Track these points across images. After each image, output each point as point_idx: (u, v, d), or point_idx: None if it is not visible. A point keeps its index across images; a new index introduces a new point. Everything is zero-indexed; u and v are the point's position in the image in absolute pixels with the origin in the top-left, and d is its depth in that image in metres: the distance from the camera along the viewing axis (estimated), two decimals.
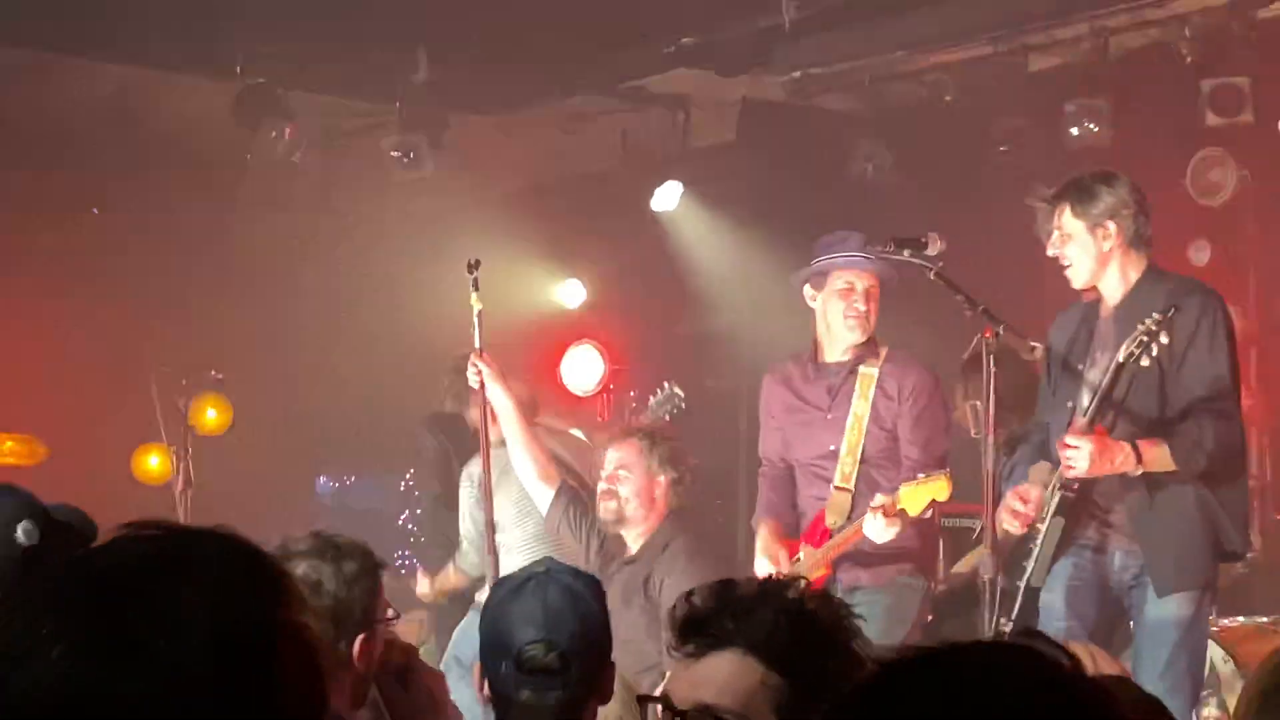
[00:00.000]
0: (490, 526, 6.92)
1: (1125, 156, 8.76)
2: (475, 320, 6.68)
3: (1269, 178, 8.37)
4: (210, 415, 10.38)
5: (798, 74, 9.74)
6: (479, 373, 6.76)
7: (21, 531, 3.18)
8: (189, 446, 8.77)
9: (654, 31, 8.96)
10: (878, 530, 5.84)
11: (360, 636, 3.26)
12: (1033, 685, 1.20)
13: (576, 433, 8.03)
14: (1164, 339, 5.18)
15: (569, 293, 10.56)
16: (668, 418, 7.96)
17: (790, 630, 2.41)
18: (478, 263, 6.70)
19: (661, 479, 6.59)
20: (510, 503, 7.27)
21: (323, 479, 12.01)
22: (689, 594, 2.51)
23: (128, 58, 8.92)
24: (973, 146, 9.45)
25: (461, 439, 8.61)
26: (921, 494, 5.79)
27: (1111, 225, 5.52)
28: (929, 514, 6.04)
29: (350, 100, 9.80)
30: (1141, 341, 5.20)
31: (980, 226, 8.84)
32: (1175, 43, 8.78)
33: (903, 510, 5.80)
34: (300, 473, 11.44)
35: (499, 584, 3.25)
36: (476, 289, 6.67)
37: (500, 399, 6.80)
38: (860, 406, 6.23)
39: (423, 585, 8.09)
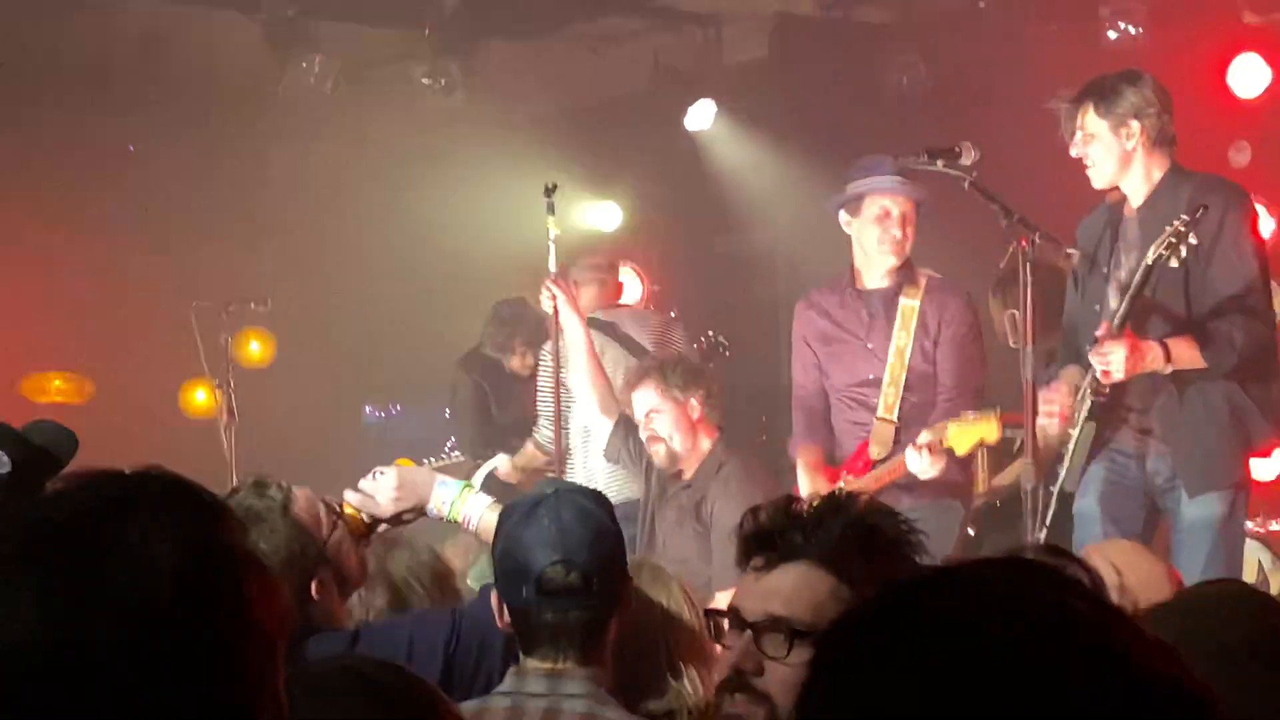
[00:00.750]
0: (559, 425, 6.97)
1: (1162, 57, 8.65)
2: (551, 244, 6.69)
3: None
4: (254, 348, 10.44)
5: None
6: (553, 297, 6.77)
7: None
8: (232, 380, 8.82)
9: None
10: (922, 466, 5.84)
11: None
12: (1024, 610, 1.19)
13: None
14: (1193, 239, 5.15)
15: (605, 215, 10.54)
16: (712, 364, 7.97)
17: (858, 542, 2.44)
18: (554, 186, 6.71)
19: (693, 401, 6.57)
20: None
21: (369, 409, 12.07)
22: (755, 509, 2.53)
23: None
24: (1007, 53, 9.36)
25: (499, 380, 8.66)
26: (970, 434, 5.78)
27: (1135, 124, 5.48)
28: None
29: (379, 29, 9.77)
30: (1170, 243, 5.17)
31: (1016, 134, 8.77)
32: None
33: (949, 448, 5.80)
34: (345, 404, 11.50)
35: (508, 510, 3.27)
36: (553, 213, 6.69)
37: (574, 327, 6.82)
38: (901, 339, 6.21)
39: (503, 463, 8.12)
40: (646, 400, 6.59)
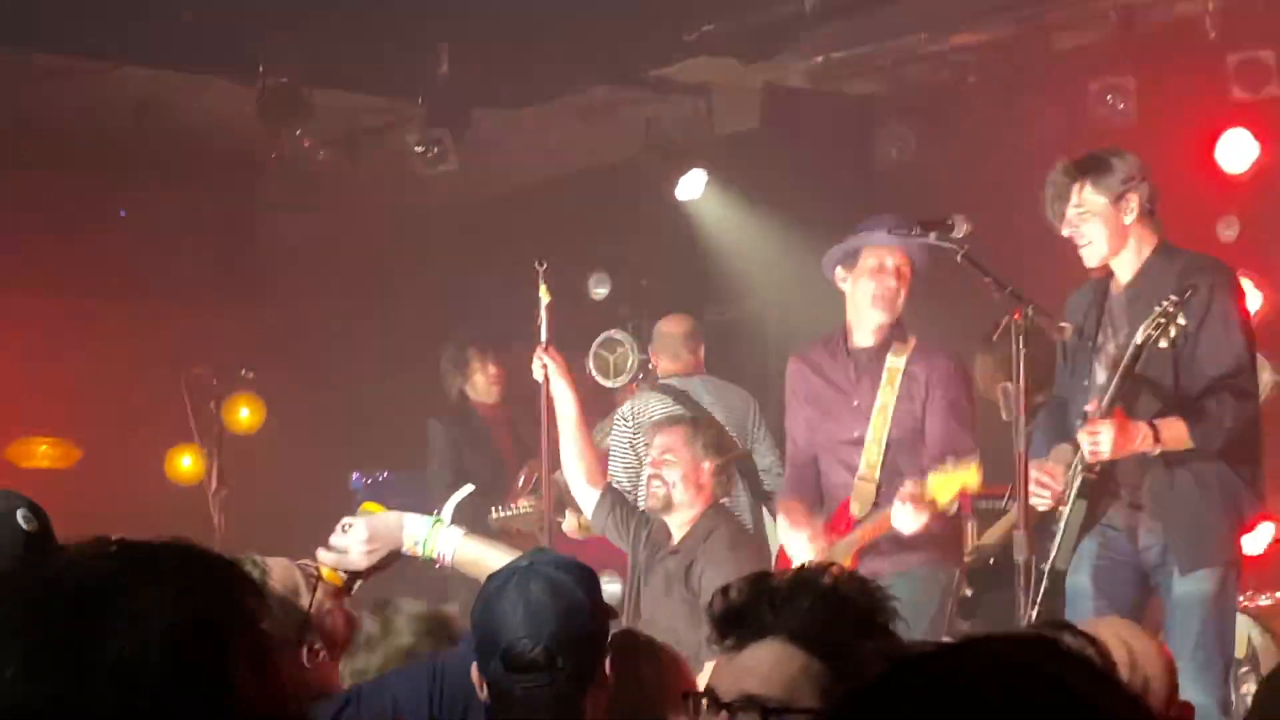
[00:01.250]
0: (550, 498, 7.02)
1: (1151, 134, 8.73)
2: (543, 313, 6.72)
3: None
4: (243, 414, 10.42)
5: (820, 59, 9.74)
6: (544, 366, 6.77)
7: (21, 518, 3.34)
8: (221, 446, 8.81)
9: (675, 19, 8.95)
10: (906, 519, 5.83)
11: None
12: (1043, 688, 1.19)
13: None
14: (1181, 320, 5.16)
15: (596, 283, 10.56)
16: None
17: (827, 615, 2.43)
18: (545, 257, 6.76)
19: (706, 465, 6.60)
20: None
21: (356, 475, 12.04)
22: (725, 589, 2.53)
23: (152, 60, 8.96)
24: (997, 128, 9.42)
25: (467, 427, 8.70)
26: (951, 482, 5.78)
27: (1133, 198, 5.50)
28: (955, 505, 6.05)
29: (373, 97, 9.82)
30: (1159, 323, 5.18)
31: (1005, 208, 8.81)
32: (1199, 17, 8.74)
33: (932, 500, 5.79)
34: (333, 470, 11.47)
35: (490, 578, 3.26)
36: (545, 281, 6.71)
37: (563, 395, 6.81)
38: (886, 396, 6.22)
39: (570, 522, 8.10)
40: (668, 443, 6.64)
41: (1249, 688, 6.58)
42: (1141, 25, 9.04)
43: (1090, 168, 5.54)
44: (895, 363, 6.24)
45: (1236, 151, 8.81)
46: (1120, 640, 3.11)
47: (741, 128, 10.10)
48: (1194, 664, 5.07)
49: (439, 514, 3.75)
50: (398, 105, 9.79)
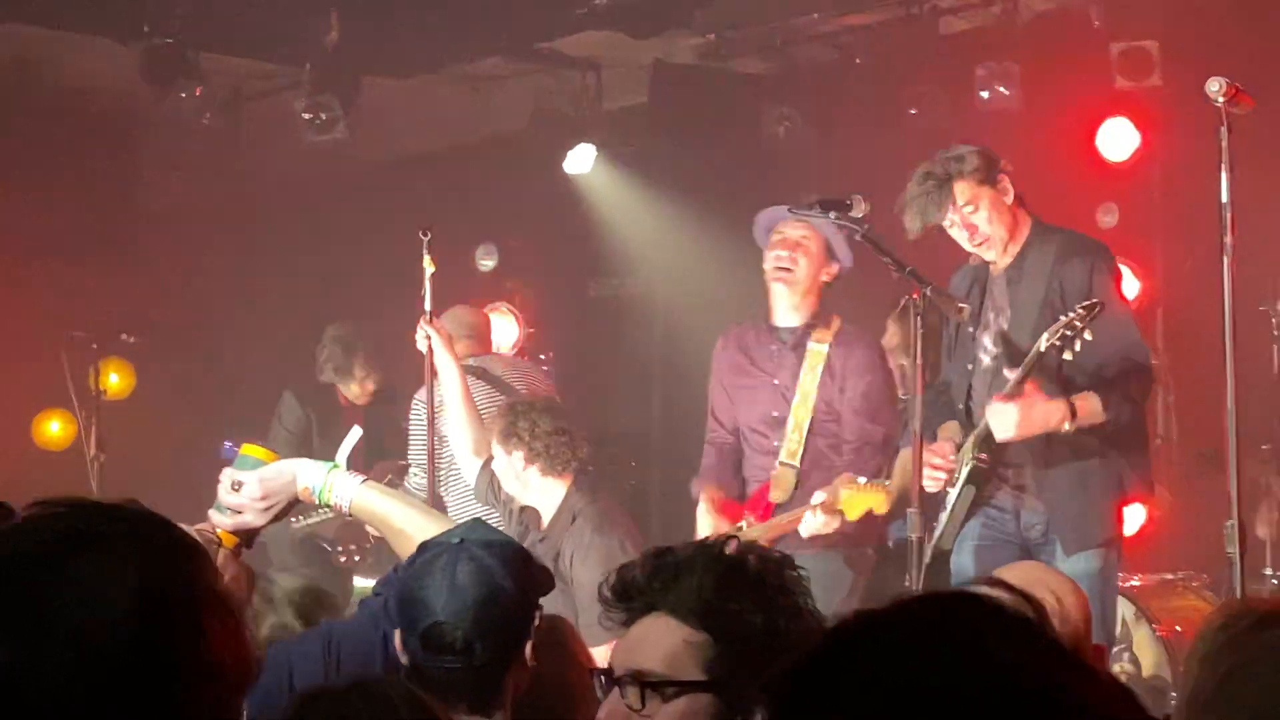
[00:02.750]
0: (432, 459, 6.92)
1: (1035, 120, 8.86)
2: (427, 283, 6.67)
3: (1176, 142, 8.47)
4: (113, 380, 10.26)
5: (710, 36, 9.75)
6: (428, 337, 6.71)
7: None
8: (99, 412, 8.68)
9: None
10: (815, 527, 5.86)
11: None
12: (988, 641, 1.20)
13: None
14: (1089, 335, 5.21)
15: (483, 255, 10.53)
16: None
17: (716, 589, 2.44)
18: (430, 228, 6.69)
19: (516, 453, 6.43)
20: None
21: (227, 443, 11.89)
22: (624, 565, 2.54)
23: (33, 18, 8.79)
24: (884, 109, 9.50)
25: (326, 410, 8.57)
26: (860, 502, 5.80)
27: (1004, 179, 5.59)
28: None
29: (260, 61, 9.70)
30: (1065, 335, 5.22)
31: (891, 189, 8.89)
32: (1084, 6, 8.86)
33: (840, 512, 5.82)
34: (206, 437, 11.33)
35: (417, 550, 3.23)
36: (430, 252, 6.66)
37: (447, 367, 6.75)
38: (808, 382, 6.23)
39: (357, 435, 8.03)
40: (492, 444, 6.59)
41: (1122, 665, 6.73)
42: (1027, 13, 9.14)
43: (954, 167, 5.58)
44: (817, 348, 6.25)
45: (1118, 140, 8.95)
46: (1049, 590, 3.16)
47: (630, 103, 10.10)
48: None
49: (335, 462, 3.69)
50: (286, 70, 9.68)
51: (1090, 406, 5.36)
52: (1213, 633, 2.08)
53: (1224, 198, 4.59)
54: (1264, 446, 7.16)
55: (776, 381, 6.30)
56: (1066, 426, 5.35)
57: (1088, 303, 5.26)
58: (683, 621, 2.44)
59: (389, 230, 9.11)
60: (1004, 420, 5.30)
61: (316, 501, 3.58)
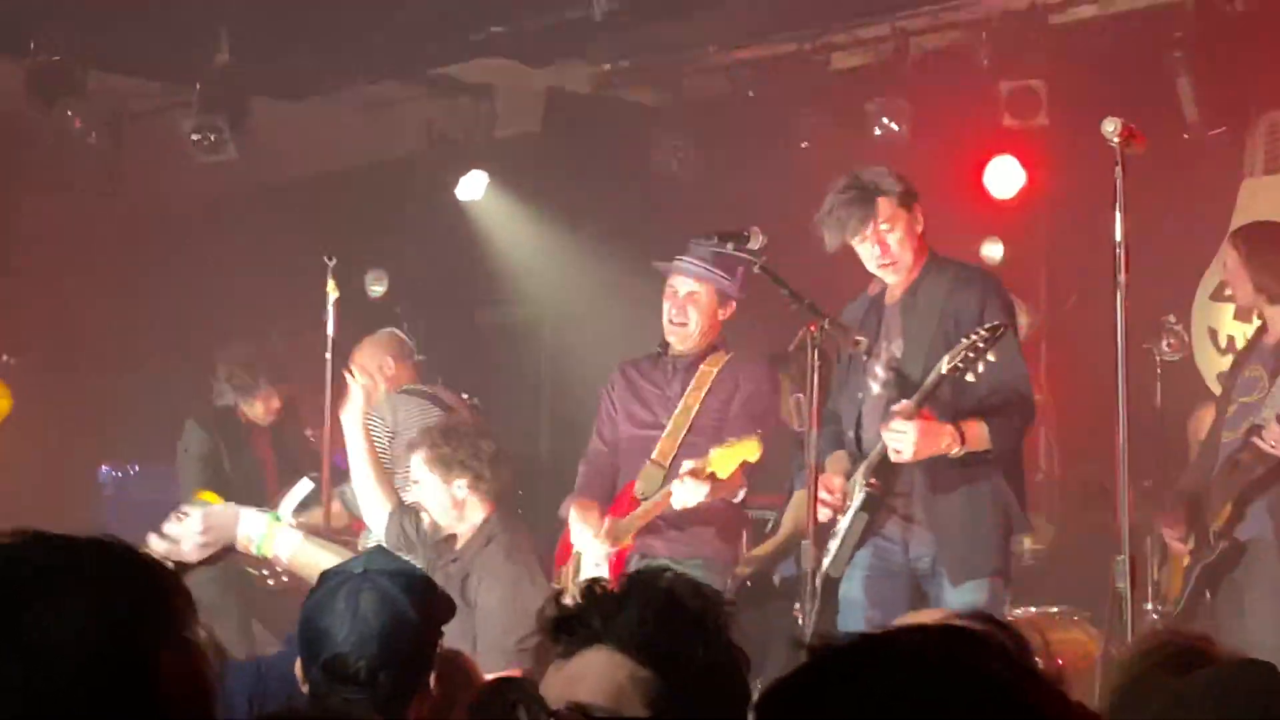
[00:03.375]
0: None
1: (924, 155, 8.94)
2: (330, 309, 6.62)
3: (1062, 179, 8.61)
4: None
5: (604, 66, 9.78)
6: (350, 373, 6.66)
7: None
8: None
9: (461, 19, 8.90)
10: (685, 493, 5.87)
11: None
12: (961, 678, 1.21)
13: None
14: (991, 357, 5.26)
15: (373, 281, 10.45)
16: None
17: (657, 623, 2.42)
18: (333, 256, 6.65)
19: (457, 482, 6.36)
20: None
21: (105, 468, 11.72)
22: (558, 594, 2.52)
23: None
24: (776, 142, 9.57)
25: (231, 433, 8.47)
26: (732, 455, 5.83)
27: (917, 207, 5.65)
28: (739, 491, 6.10)
29: (148, 81, 9.58)
30: (968, 357, 5.27)
31: (784, 221, 8.95)
32: (974, 45, 8.98)
33: (712, 473, 5.83)
34: (83, 461, 11.16)
35: (322, 579, 3.19)
36: (334, 277, 6.61)
37: (354, 426, 6.65)
38: (692, 398, 6.29)
39: (308, 488, 7.93)
40: (414, 470, 6.52)
41: None
42: (917, 50, 9.26)
43: (882, 182, 5.65)
44: (708, 370, 6.31)
45: (1004, 177, 9.08)
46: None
47: (524, 131, 10.10)
48: None
49: (276, 513, 3.66)
50: (174, 90, 9.56)
51: (978, 433, 5.42)
52: (1133, 662, 2.09)
53: (1118, 236, 4.65)
54: (1146, 483, 7.26)
55: (667, 394, 6.36)
56: (955, 451, 5.39)
57: (991, 324, 5.31)
58: (627, 656, 2.42)
59: (278, 252, 9.04)
60: (903, 440, 5.33)
61: (254, 552, 3.56)
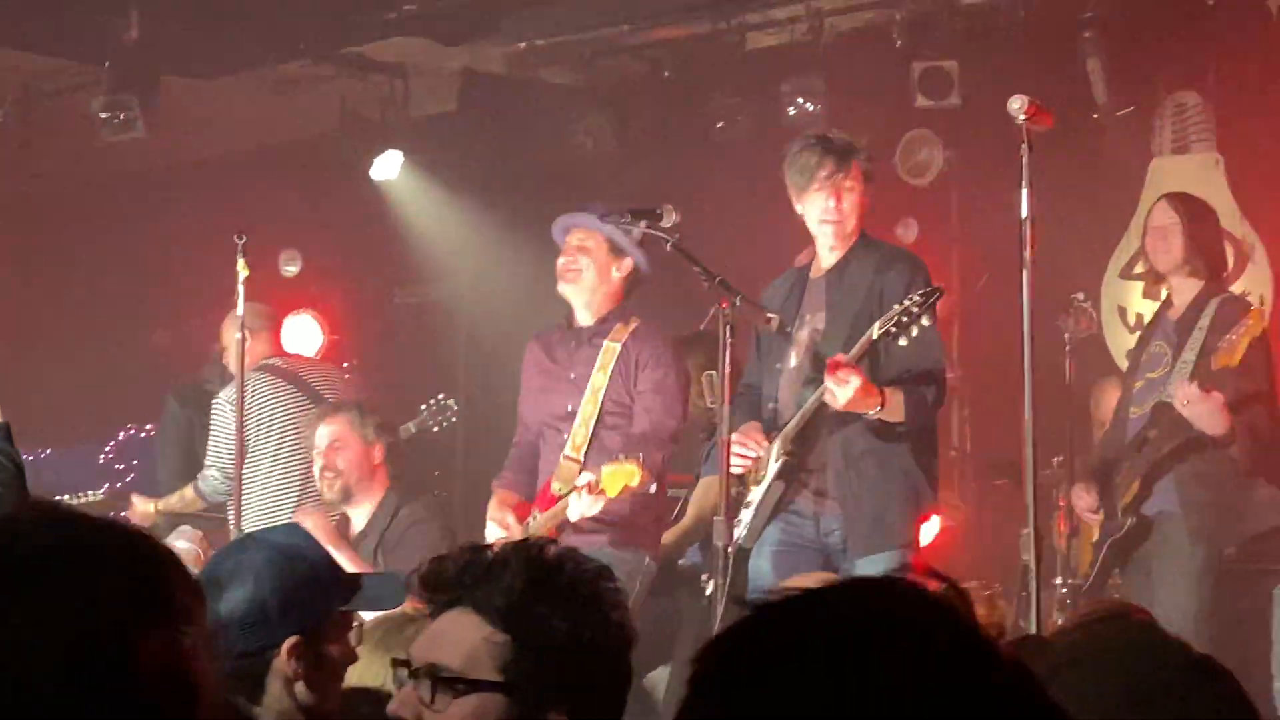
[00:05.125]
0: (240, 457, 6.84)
1: (840, 134, 8.99)
2: (240, 288, 6.59)
3: (974, 160, 8.67)
4: None
5: (519, 45, 9.75)
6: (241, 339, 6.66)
7: None
8: None
9: None
10: (581, 508, 5.89)
11: None
12: (915, 619, 1.22)
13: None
14: (925, 321, 5.29)
15: (286, 260, 10.38)
16: (435, 429, 7.95)
17: (525, 591, 2.43)
18: (244, 233, 6.61)
19: (377, 448, 6.65)
20: (269, 441, 7.26)
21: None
22: (440, 556, 2.52)
23: None
24: (691, 122, 9.59)
25: (207, 409, 8.38)
26: (617, 477, 5.85)
27: (871, 186, 5.75)
28: (650, 486, 6.12)
29: (56, 59, 9.46)
30: (901, 321, 5.30)
31: (699, 200, 8.97)
32: (887, 26, 9.03)
33: (603, 490, 5.85)
34: None
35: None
36: (244, 256, 6.57)
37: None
38: (599, 379, 6.26)
39: (142, 505, 7.85)
40: (334, 432, 6.62)
41: None
42: (832, 31, 9.30)
43: (859, 148, 5.71)
44: (611, 345, 6.29)
45: (920, 156, 9.12)
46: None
47: (439, 110, 10.06)
48: None
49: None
50: (82, 68, 9.45)
51: (896, 401, 5.46)
52: (1060, 634, 2.10)
53: (1024, 213, 4.70)
54: (1056, 459, 7.34)
55: (573, 376, 6.33)
56: (873, 412, 5.43)
57: (928, 289, 5.35)
58: (486, 619, 2.42)
59: (191, 232, 8.96)
60: (845, 389, 5.32)
61: None
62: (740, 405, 5.79)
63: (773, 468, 5.61)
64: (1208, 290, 6.68)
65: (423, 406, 8.10)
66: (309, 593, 3.09)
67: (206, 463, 7.63)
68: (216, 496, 7.57)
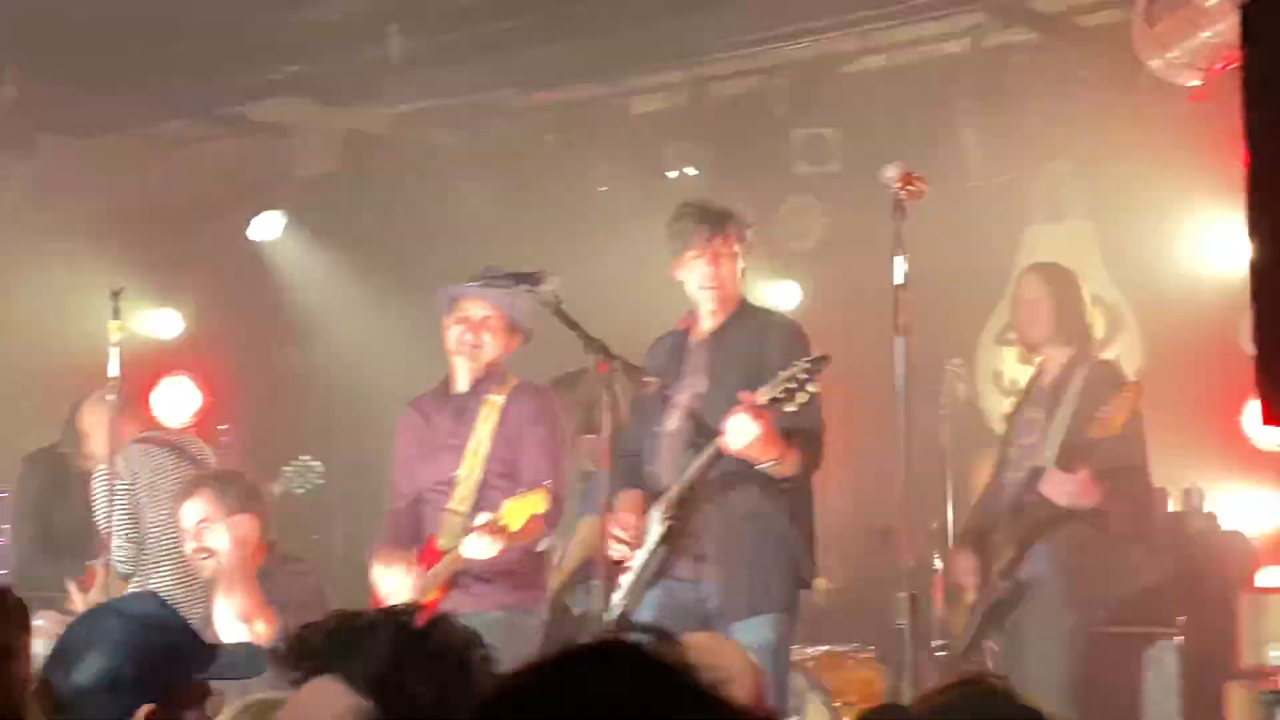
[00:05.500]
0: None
1: (720, 200, 9.06)
2: (113, 348, 6.50)
3: (854, 225, 8.76)
4: None
5: (403, 107, 9.76)
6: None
7: None
8: None
9: (258, 59, 8.82)
10: (477, 547, 5.86)
11: None
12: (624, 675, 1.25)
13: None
14: (811, 388, 5.30)
15: (164, 322, 10.27)
16: (300, 491, 7.83)
17: (392, 659, 2.40)
18: (120, 291, 6.51)
19: (249, 521, 6.28)
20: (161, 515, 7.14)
21: None
22: (306, 624, 2.49)
23: None
24: (574, 185, 9.63)
25: (61, 481, 8.18)
26: (522, 508, 5.82)
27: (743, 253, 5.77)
28: (538, 540, 6.11)
29: None
30: (788, 389, 5.29)
31: (581, 263, 9.00)
32: (768, 93, 9.14)
33: (504, 526, 5.82)
34: None
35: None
36: (117, 317, 6.47)
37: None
38: (482, 433, 6.25)
39: (78, 599, 7.63)
40: (198, 511, 6.34)
41: None
42: (715, 97, 9.40)
43: (735, 213, 5.75)
44: (494, 399, 6.28)
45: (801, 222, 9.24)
46: (717, 656, 3.21)
47: (322, 171, 10.03)
48: None
49: None
50: None
51: (793, 456, 5.47)
52: (920, 700, 2.12)
53: (897, 279, 4.76)
54: (933, 524, 7.42)
55: (454, 441, 6.30)
56: (768, 465, 5.44)
57: (815, 357, 5.37)
58: (352, 688, 2.40)
59: (73, 292, 8.84)
60: (745, 432, 5.33)
61: None
62: (621, 469, 5.81)
63: (655, 532, 5.61)
64: (1077, 358, 6.84)
65: (285, 468, 7.96)
66: (165, 660, 3.05)
67: (115, 542, 7.40)
68: (127, 568, 7.35)
